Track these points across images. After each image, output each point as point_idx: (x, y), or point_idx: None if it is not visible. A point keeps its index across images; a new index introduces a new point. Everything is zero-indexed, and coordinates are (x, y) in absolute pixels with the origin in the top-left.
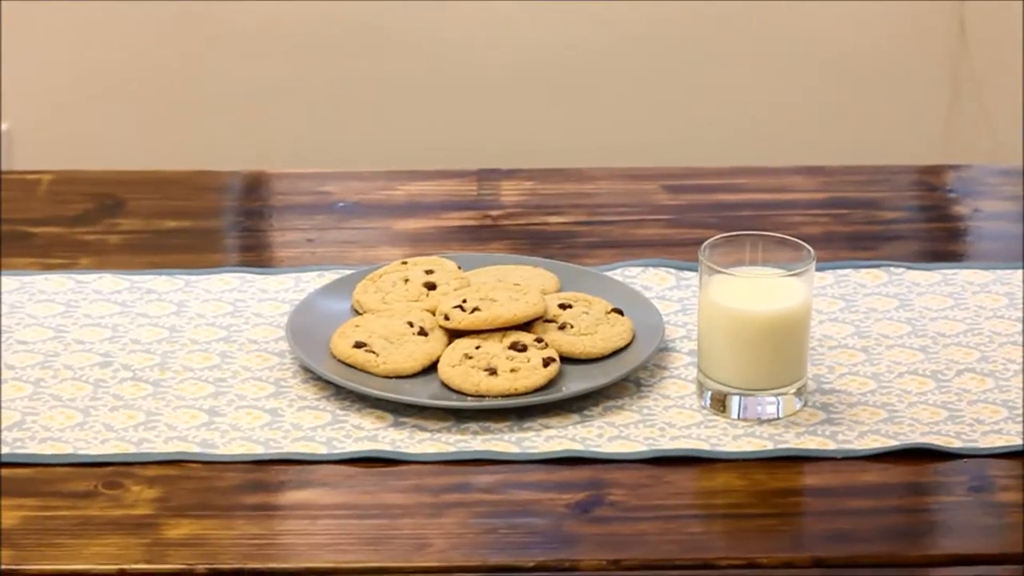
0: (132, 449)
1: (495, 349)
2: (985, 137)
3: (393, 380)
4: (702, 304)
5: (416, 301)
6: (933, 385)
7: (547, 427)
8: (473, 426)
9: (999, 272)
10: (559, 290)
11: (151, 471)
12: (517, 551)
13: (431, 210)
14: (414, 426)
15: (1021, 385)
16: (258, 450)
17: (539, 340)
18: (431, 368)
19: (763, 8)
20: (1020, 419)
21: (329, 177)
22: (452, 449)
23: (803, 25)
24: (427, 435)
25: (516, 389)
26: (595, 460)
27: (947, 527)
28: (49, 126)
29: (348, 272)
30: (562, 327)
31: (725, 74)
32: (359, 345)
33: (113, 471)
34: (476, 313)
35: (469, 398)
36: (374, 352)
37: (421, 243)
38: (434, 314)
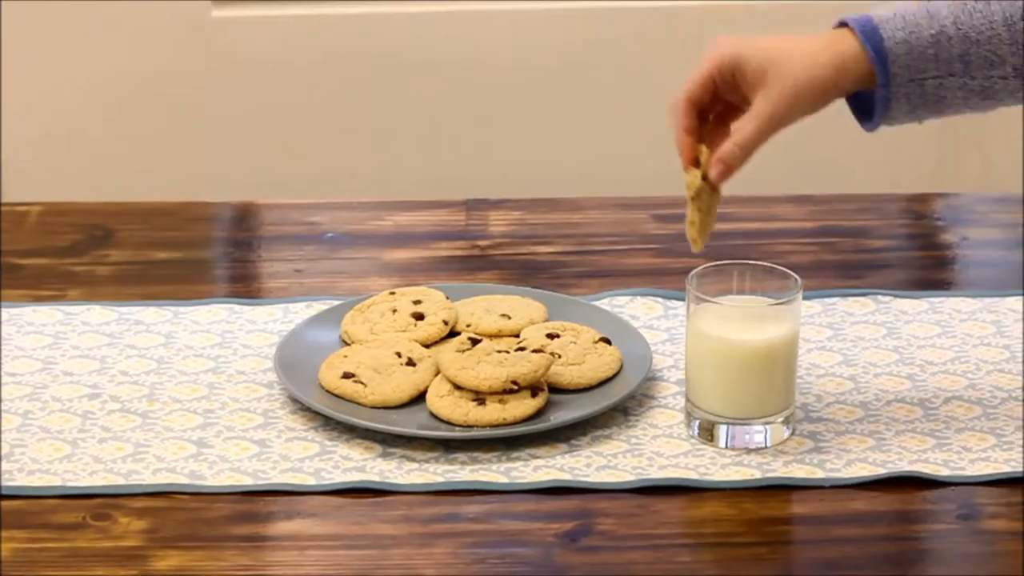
0: (121, 481)
1: None
2: (977, 161)
3: (381, 411)
4: (689, 333)
5: (404, 331)
6: (921, 413)
7: (535, 457)
8: (461, 456)
9: (986, 300)
10: (547, 320)
11: (140, 503)
12: None
13: (419, 240)
14: (402, 456)
15: (1008, 413)
16: (247, 481)
17: None
18: (419, 398)
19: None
20: (1007, 447)
21: (317, 208)
22: (441, 479)
23: None
24: (415, 465)
25: (504, 419)
26: (583, 490)
27: (935, 555)
28: (38, 158)
29: (336, 303)
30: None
31: None
32: (347, 376)
33: (102, 503)
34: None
35: (457, 428)
36: (362, 383)
37: (409, 273)
38: (423, 345)
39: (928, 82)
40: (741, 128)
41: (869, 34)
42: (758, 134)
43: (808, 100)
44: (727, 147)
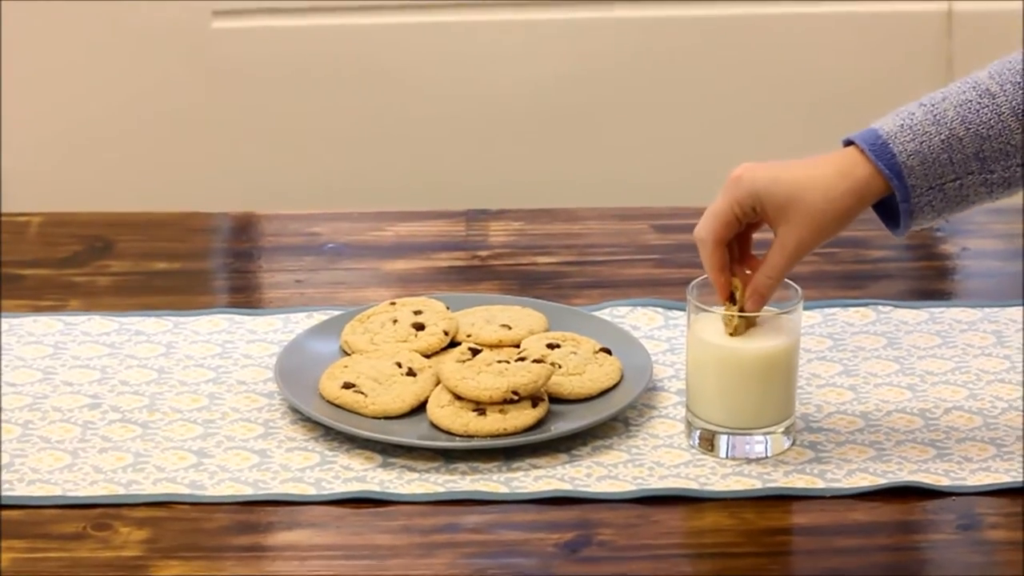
0: (121, 491)
1: None
2: None
3: (382, 421)
4: (690, 343)
5: (404, 342)
6: (921, 423)
7: (536, 467)
8: (462, 466)
9: (987, 310)
10: (547, 330)
11: (140, 512)
12: None
13: (420, 251)
14: (403, 466)
15: (1009, 423)
16: (247, 491)
17: None
18: (420, 408)
19: (751, 50)
20: (1008, 456)
21: (318, 218)
22: (441, 489)
23: (789, 67)
24: (416, 475)
25: (505, 429)
26: (584, 500)
27: (936, 565)
28: (38, 168)
29: (337, 313)
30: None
31: (713, 112)
32: (348, 386)
33: (102, 513)
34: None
35: (458, 438)
36: (363, 393)
37: (410, 284)
38: (424, 355)
39: (948, 185)
40: (771, 260)
41: (879, 153)
42: (787, 263)
43: (832, 226)
44: (760, 280)
